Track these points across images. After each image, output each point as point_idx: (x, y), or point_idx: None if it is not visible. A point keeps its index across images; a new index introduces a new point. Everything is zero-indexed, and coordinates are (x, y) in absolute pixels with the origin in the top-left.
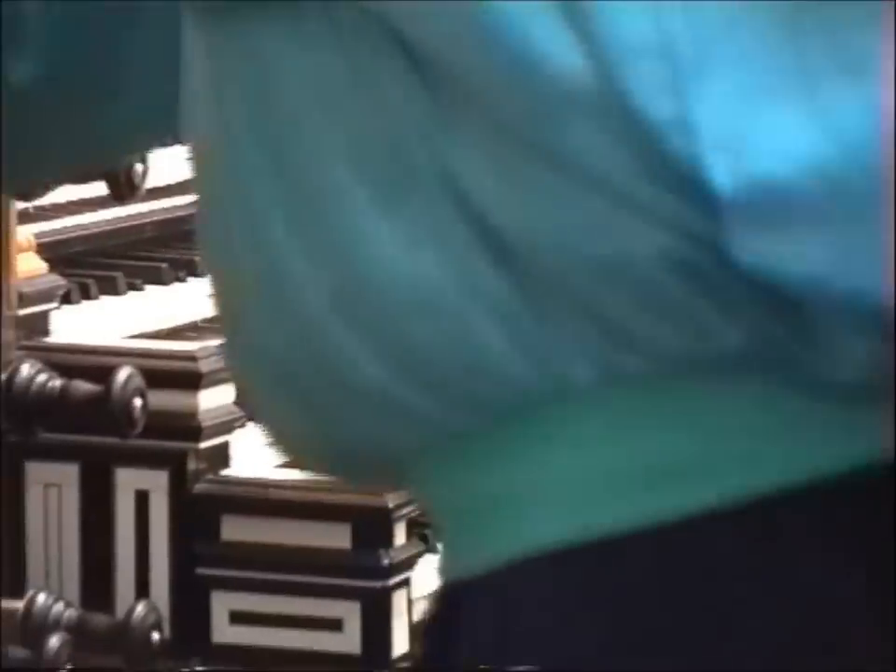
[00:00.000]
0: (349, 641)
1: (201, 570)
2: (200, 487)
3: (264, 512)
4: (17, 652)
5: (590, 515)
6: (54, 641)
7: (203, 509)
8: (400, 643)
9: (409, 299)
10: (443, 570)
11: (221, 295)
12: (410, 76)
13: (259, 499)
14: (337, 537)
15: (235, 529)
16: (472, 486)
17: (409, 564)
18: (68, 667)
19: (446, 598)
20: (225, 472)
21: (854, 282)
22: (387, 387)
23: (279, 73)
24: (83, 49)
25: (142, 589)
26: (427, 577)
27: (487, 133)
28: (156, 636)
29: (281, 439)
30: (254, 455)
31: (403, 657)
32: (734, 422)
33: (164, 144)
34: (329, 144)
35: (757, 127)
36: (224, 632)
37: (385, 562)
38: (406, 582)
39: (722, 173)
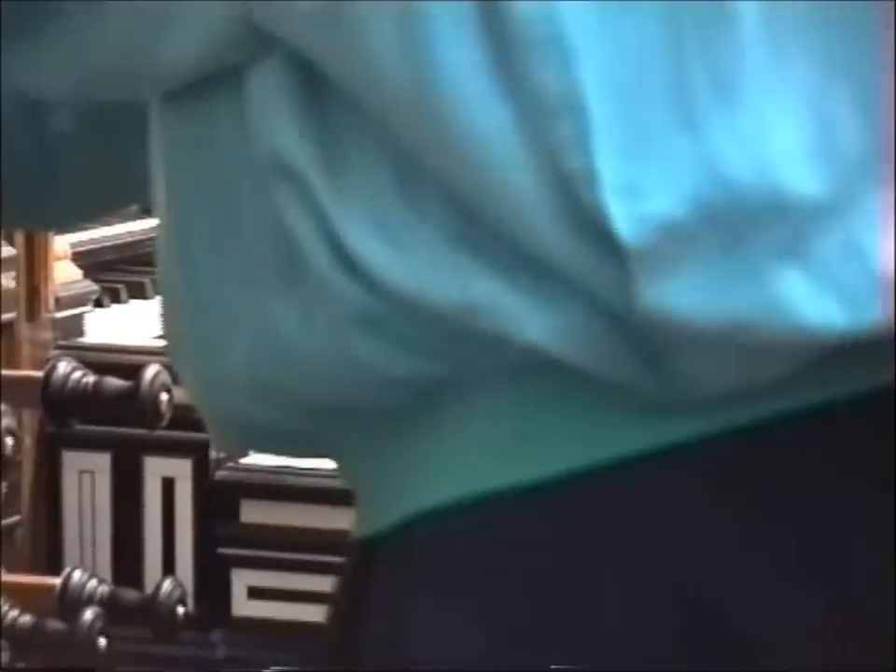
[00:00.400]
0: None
1: (221, 550)
2: (221, 474)
3: (280, 497)
4: (54, 625)
5: (468, 482)
6: (88, 615)
7: (223, 494)
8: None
9: (307, 371)
10: (357, 528)
11: (168, 319)
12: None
13: (275, 485)
14: (345, 519)
15: (253, 512)
16: (382, 456)
17: None
18: (101, 639)
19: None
20: (244, 461)
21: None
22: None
23: (218, 154)
24: (104, 121)
25: (168, 567)
26: None
27: (378, 197)
28: (181, 609)
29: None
30: None
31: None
32: (575, 404)
33: None
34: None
35: (649, 170)
36: (243, 606)
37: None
38: None
39: (622, 219)
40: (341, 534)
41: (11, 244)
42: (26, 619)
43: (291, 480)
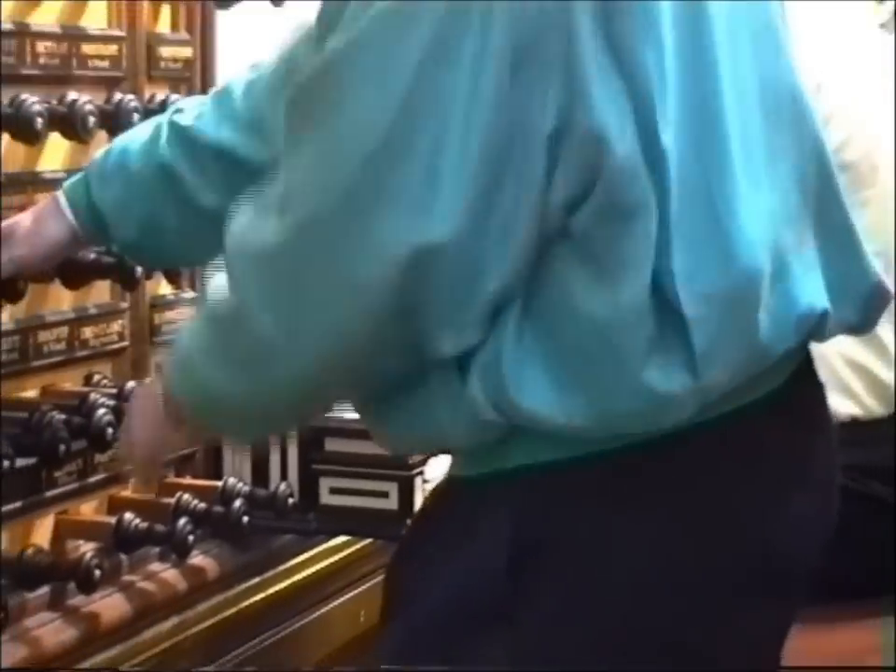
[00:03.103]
0: (392, 503)
1: (314, 466)
2: (315, 421)
3: (347, 435)
4: (217, 509)
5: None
6: (237, 503)
7: (315, 432)
8: (417, 505)
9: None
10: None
11: None
12: None
13: (343, 428)
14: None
15: (331, 444)
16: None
17: (423, 462)
18: (245, 518)
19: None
20: (327, 414)
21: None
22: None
23: None
24: None
25: (283, 474)
26: (432, 470)
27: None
28: (290, 500)
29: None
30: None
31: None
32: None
33: None
34: None
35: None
36: (327, 499)
37: (410, 461)
38: (421, 472)
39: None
40: (383, 457)
41: None
42: (202, 505)
43: (353, 425)
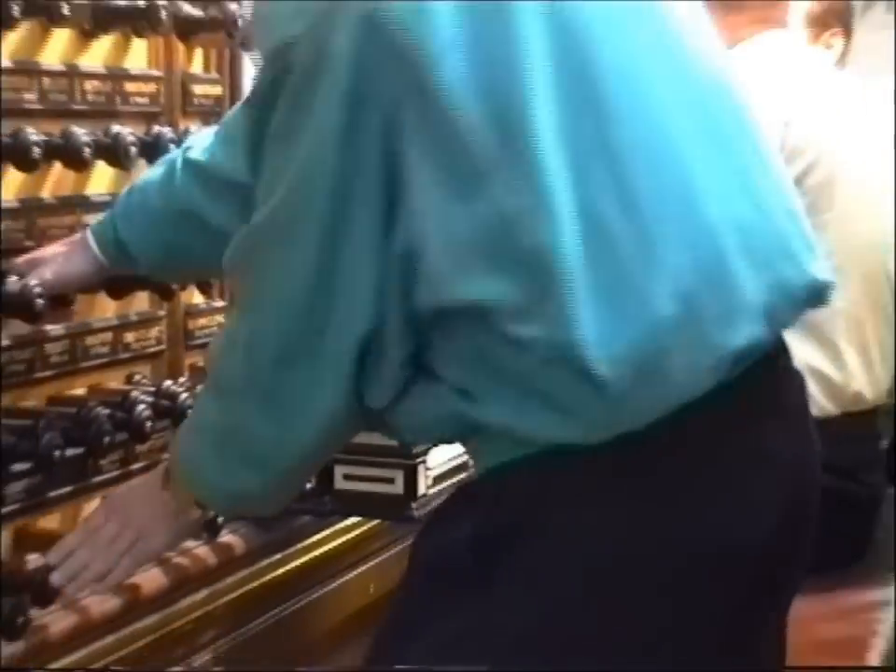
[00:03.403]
0: (398, 488)
1: None
2: None
3: None
4: None
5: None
6: None
7: None
8: (421, 490)
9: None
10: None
11: None
12: None
13: None
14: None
15: None
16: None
17: (425, 452)
18: None
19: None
20: None
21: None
22: None
23: None
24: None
25: None
26: (434, 458)
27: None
28: (308, 485)
29: None
30: None
31: (422, 496)
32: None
33: None
34: None
35: None
36: (341, 484)
37: (414, 451)
38: (423, 461)
39: None
40: (391, 447)
41: None
42: None
43: None
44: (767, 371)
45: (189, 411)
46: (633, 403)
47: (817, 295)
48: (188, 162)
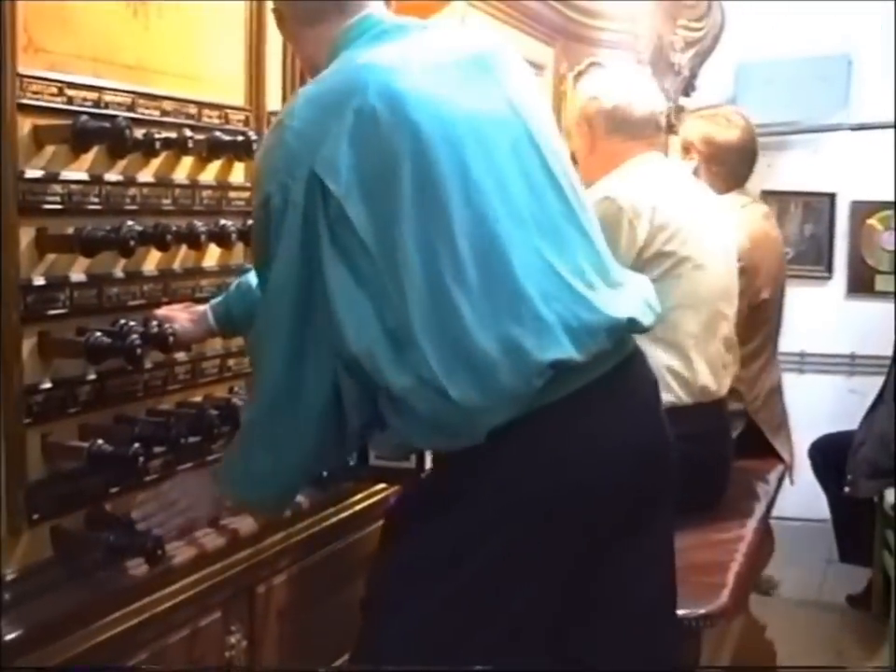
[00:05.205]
0: (411, 464)
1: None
2: None
3: None
4: None
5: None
6: None
7: None
8: (427, 465)
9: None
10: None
11: None
12: None
13: None
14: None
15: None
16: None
17: None
18: (324, 474)
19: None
20: None
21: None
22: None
23: None
24: None
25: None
26: None
27: None
28: (351, 462)
29: None
30: None
31: (428, 469)
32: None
33: None
34: None
35: None
36: (373, 461)
37: None
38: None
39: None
40: None
41: None
42: None
43: None
44: (629, 367)
45: None
46: (482, 416)
47: (616, 327)
48: None
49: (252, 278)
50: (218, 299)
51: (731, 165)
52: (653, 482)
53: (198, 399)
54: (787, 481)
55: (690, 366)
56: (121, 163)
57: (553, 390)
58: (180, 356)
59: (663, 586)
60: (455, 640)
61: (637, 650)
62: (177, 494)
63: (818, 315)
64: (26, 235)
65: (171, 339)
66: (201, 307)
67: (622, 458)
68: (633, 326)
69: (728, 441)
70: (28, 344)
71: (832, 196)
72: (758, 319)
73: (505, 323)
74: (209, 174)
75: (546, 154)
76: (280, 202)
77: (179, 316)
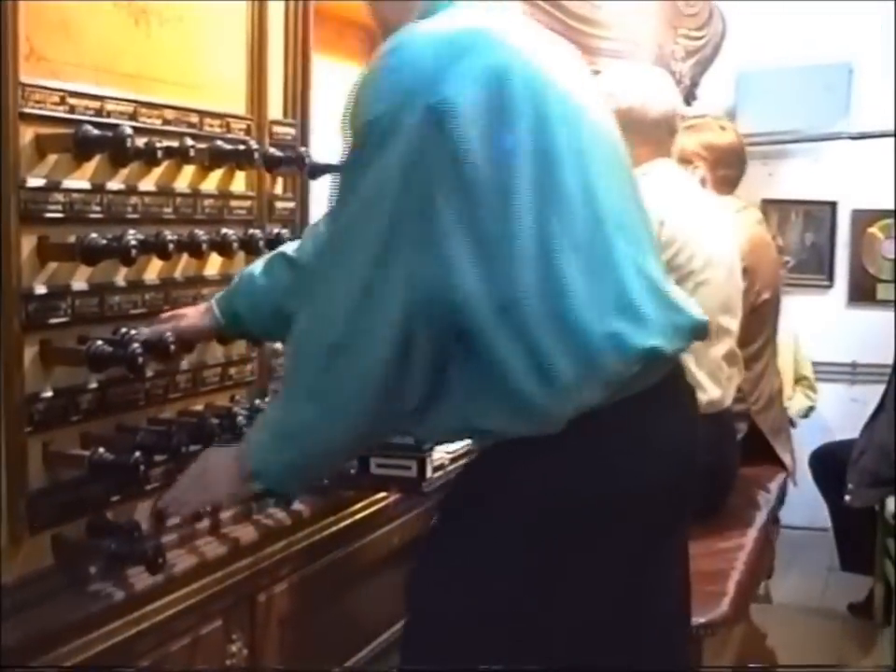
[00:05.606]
0: (412, 473)
1: (371, 459)
2: None
3: None
4: None
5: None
6: None
7: None
8: (428, 474)
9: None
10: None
11: None
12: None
13: None
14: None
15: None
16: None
17: (431, 449)
18: (325, 482)
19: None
20: None
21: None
22: None
23: None
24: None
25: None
26: (436, 453)
27: None
28: (352, 470)
29: None
30: None
31: (428, 478)
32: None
33: None
34: None
35: None
36: (374, 470)
37: (424, 448)
38: (430, 455)
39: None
40: (408, 445)
41: None
42: None
43: None
44: (674, 380)
45: None
46: (571, 395)
47: (698, 327)
48: (285, 256)
49: (255, 268)
50: (222, 292)
51: (734, 167)
52: (689, 486)
53: (199, 407)
54: (790, 490)
55: (694, 379)
56: (123, 172)
57: (630, 385)
58: (181, 364)
59: (684, 584)
60: (513, 649)
61: (659, 650)
62: (199, 469)
63: (819, 324)
64: (28, 244)
65: (172, 347)
66: (205, 304)
67: (672, 461)
68: (706, 328)
69: (734, 449)
70: (29, 353)
71: (833, 205)
72: (759, 321)
73: (608, 310)
74: (210, 182)
75: (624, 157)
76: (388, 123)
77: (185, 313)
